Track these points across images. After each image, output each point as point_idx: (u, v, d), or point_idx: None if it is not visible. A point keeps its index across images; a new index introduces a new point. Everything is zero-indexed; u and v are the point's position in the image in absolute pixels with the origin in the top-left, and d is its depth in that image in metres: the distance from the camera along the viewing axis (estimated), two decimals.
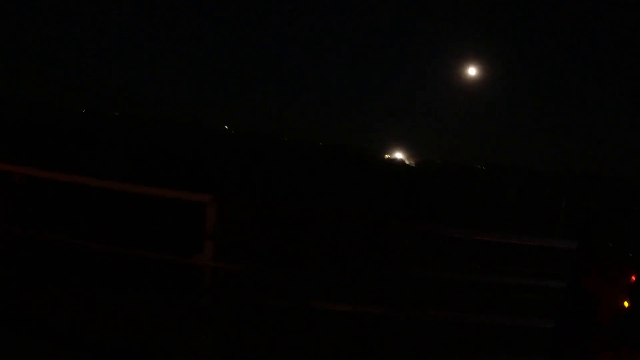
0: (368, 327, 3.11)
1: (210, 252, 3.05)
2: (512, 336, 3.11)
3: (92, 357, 2.15)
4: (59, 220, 3.95)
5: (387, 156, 79.34)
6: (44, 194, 4.08)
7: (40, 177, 3.52)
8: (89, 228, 3.93)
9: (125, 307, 2.36)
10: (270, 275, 3.37)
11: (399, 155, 79.64)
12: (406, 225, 3.17)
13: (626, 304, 2.61)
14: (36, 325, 2.26)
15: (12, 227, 3.17)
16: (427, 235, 3.25)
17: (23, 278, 3.15)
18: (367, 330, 3.12)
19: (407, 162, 77.79)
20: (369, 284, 3.30)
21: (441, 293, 3.13)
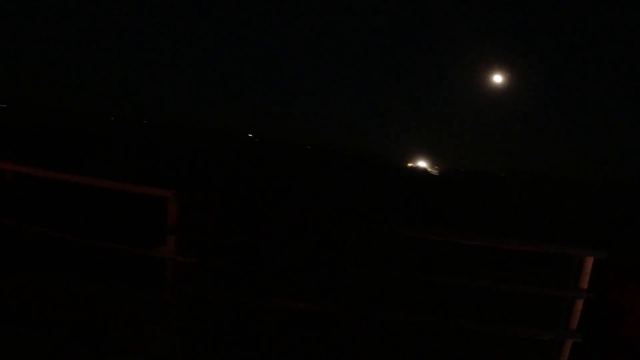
0: (324, 325, 3.12)
1: (172, 245, 3.14)
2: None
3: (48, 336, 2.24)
4: (40, 213, 4.13)
5: (409, 164, 78.80)
6: (30, 190, 4.29)
7: (24, 173, 3.71)
8: (69, 221, 4.10)
9: (87, 294, 2.46)
10: (229, 270, 3.44)
11: (422, 163, 78.94)
12: (356, 222, 3.15)
13: None
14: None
15: None
16: (379, 232, 3.23)
17: None
18: (324, 328, 3.14)
19: (429, 170, 76.96)
20: (327, 282, 3.31)
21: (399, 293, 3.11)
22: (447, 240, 2.78)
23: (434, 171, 77.01)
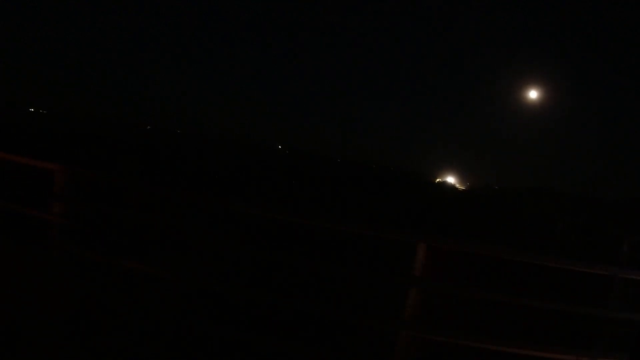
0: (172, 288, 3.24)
1: (58, 210, 3.41)
2: None
3: None
4: None
5: (438, 180, 77.50)
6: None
7: None
8: None
9: None
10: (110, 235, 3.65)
11: (450, 179, 77.53)
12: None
13: None
14: None
15: None
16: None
17: None
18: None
19: (457, 186, 75.45)
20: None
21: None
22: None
23: (462, 187, 75.45)
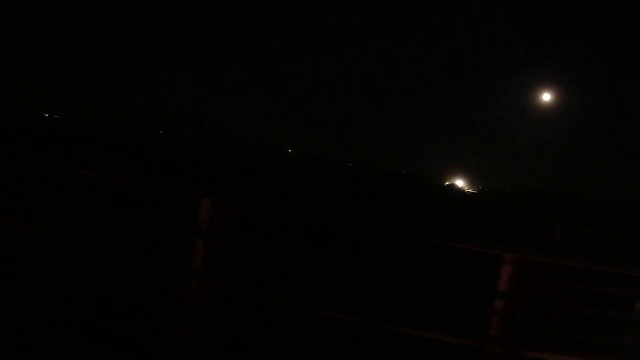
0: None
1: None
2: None
3: None
4: None
5: (447, 183, 76.83)
6: None
7: None
8: None
9: None
10: None
11: (458, 182, 76.79)
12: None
13: None
14: None
15: None
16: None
17: None
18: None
19: (466, 189, 74.65)
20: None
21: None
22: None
23: (471, 190, 74.62)
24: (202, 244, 3.10)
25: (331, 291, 3.53)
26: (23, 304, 3.31)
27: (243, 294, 3.09)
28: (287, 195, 16.46)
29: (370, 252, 5.02)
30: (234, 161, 37.92)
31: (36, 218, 3.37)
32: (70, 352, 3.03)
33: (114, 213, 3.34)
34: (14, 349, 3.01)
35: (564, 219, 9.35)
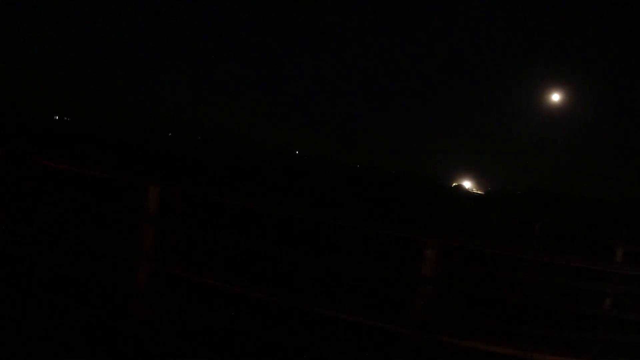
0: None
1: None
2: None
3: None
4: None
5: (454, 184, 76.77)
6: None
7: None
8: None
9: None
10: None
11: (466, 183, 76.77)
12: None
13: None
14: None
15: None
16: None
17: None
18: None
19: (473, 190, 74.47)
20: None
21: None
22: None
23: (478, 191, 74.51)
24: (152, 230, 3.30)
25: (274, 276, 3.71)
26: None
27: (192, 278, 3.28)
28: (287, 195, 16.71)
29: (315, 240, 5.21)
30: (236, 162, 38.35)
31: None
32: (26, 331, 3.24)
33: (73, 200, 3.56)
34: None
35: (543, 217, 9.68)
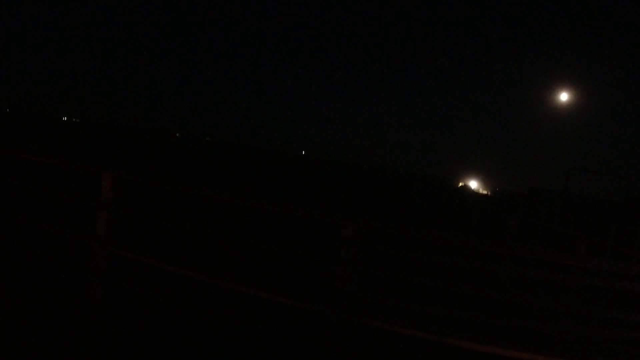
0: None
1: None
2: None
3: None
4: None
5: (460, 184, 76.52)
6: None
7: None
8: None
9: None
10: None
11: (472, 183, 76.52)
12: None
13: None
14: None
15: None
16: None
17: None
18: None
19: (480, 190, 74.20)
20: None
21: None
22: None
23: (485, 191, 74.30)
24: (105, 215, 3.52)
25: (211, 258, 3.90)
26: None
27: (144, 261, 3.49)
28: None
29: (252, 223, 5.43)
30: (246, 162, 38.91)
31: None
32: None
33: (35, 188, 3.80)
34: None
35: (520, 214, 10.59)
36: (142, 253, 3.49)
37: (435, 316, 3.08)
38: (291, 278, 3.73)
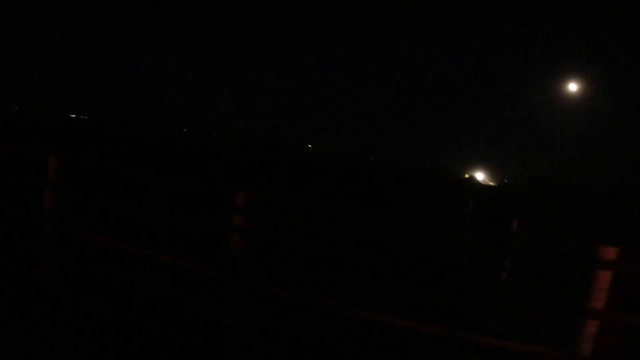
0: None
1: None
2: None
3: None
4: None
5: (466, 175, 76.15)
6: None
7: None
8: None
9: None
10: None
11: (479, 175, 76.08)
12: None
13: None
14: None
15: None
16: None
17: None
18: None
19: (487, 182, 73.84)
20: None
21: None
22: None
23: (491, 182, 73.91)
24: (51, 193, 3.90)
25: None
26: None
27: (89, 236, 3.86)
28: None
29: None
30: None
31: None
32: None
33: None
34: None
35: (475, 198, 12.23)
36: (84, 228, 3.87)
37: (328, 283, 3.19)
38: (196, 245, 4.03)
